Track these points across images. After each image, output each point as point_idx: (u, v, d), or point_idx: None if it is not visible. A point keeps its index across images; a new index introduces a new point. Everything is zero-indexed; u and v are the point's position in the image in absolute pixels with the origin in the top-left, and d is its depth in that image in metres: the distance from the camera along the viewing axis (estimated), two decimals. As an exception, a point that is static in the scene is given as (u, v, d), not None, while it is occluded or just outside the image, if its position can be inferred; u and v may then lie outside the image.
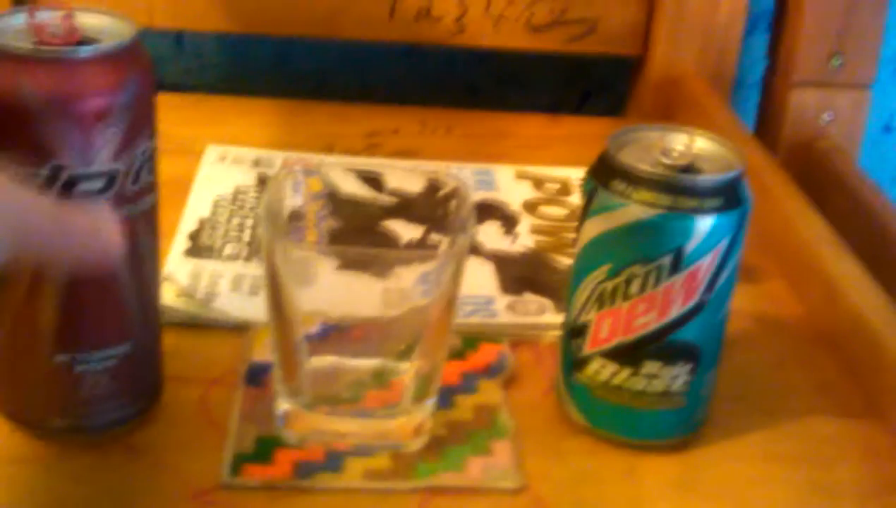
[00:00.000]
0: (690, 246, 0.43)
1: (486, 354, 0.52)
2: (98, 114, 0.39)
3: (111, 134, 0.39)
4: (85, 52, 0.39)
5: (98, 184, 0.39)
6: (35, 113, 0.38)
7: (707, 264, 0.44)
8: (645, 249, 0.44)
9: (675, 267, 0.43)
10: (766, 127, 0.84)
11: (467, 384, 0.50)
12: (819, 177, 0.79)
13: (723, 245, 0.44)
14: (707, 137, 0.46)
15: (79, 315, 0.42)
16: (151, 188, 0.42)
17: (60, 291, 0.41)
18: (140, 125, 0.41)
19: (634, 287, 0.44)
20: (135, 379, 0.45)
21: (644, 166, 0.44)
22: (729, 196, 0.44)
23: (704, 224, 0.43)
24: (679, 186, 0.43)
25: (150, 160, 0.42)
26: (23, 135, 0.38)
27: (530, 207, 0.68)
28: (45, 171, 0.39)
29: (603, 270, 0.45)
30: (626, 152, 0.45)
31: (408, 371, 0.45)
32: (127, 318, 0.44)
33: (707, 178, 0.44)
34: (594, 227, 0.45)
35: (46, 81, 0.38)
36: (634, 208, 0.43)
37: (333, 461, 0.45)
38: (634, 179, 0.43)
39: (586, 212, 0.45)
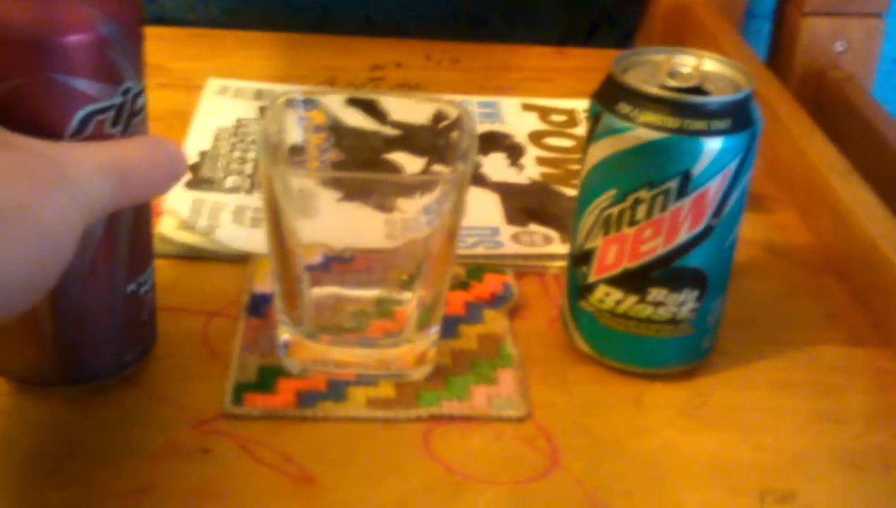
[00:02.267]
0: (698, 168, 0.42)
1: (490, 284, 0.51)
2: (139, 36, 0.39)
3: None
4: None
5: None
6: (107, 38, 0.37)
7: (715, 187, 0.43)
8: (651, 173, 0.43)
9: (683, 190, 0.43)
10: (779, 56, 0.82)
11: (472, 314, 0.49)
12: (831, 106, 0.77)
13: (731, 167, 0.43)
14: (714, 59, 0.45)
15: (136, 240, 0.42)
16: (144, 121, 0.42)
17: (130, 220, 0.41)
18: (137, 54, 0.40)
19: (640, 212, 0.43)
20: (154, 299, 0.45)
21: (650, 88, 0.42)
22: (737, 117, 0.43)
23: (712, 146, 0.42)
24: (686, 107, 0.42)
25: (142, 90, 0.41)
26: (97, 63, 0.38)
27: (536, 138, 0.66)
28: (116, 100, 0.38)
29: (608, 195, 0.44)
30: (631, 74, 0.44)
31: (410, 300, 0.45)
32: (151, 239, 0.44)
33: (715, 99, 0.42)
34: (599, 151, 0.44)
35: (112, 7, 0.38)
36: (640, 131, 0.42)
37: (336, 390, 0.44)
38: (640, 101, 0.42)
39: (591, 136, 0.44)
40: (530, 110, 0.70)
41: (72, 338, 0.42)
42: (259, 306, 0.48)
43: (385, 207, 0.43)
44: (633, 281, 0.44)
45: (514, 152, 0.65)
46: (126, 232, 0.42)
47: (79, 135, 0.37)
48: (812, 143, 0.63)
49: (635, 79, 0.43)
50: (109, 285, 0.42)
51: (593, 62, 0.78)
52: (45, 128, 0.36)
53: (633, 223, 0.44)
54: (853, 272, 0.55)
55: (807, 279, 0.55)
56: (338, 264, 0.45)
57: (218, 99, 0.68)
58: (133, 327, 0.44)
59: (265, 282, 0.50)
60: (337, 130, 0.48)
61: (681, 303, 0.45)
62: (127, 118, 0.39)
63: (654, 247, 0.44)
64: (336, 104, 0.48)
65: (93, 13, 0.37)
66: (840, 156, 0.61)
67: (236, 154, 0.61)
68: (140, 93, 0.40)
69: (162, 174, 0.38)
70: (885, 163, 0.71)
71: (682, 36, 0.80)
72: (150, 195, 0.38)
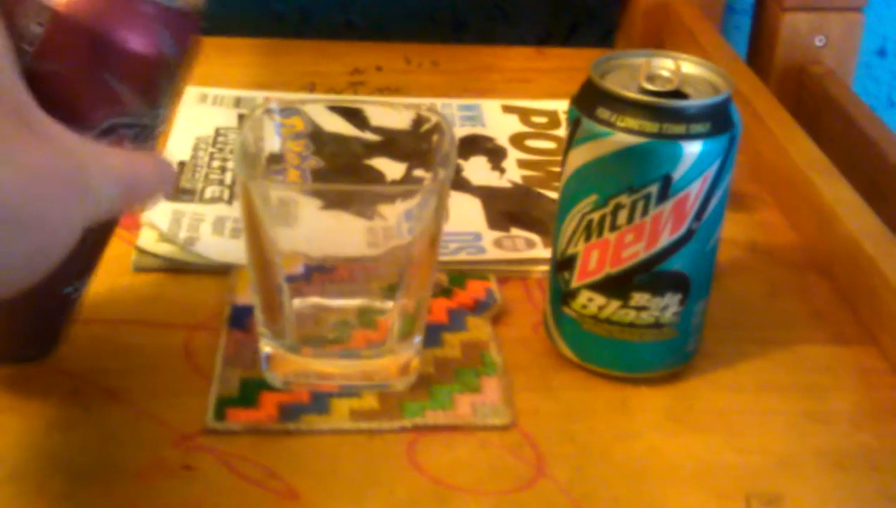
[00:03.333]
0: (678, 173, 0.42)
1: (473, 291, 0.51)
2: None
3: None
4: (191, 4, 0.38)
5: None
6: (166, 61, 0.37)
7: (696, 191, 0.43)
8: (631, 178, 0.42)
9: (663, 195, 0.42)
10: (759, 52, 0.82)
11: (455, 321, 0.49)
12: (812, 102, 0.77)
13: (711, 171, 0.43)
14: (693, 61, 0.45)
15: (92, 247, 0.42)
16: (155, 145, 0.42)
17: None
18: None
19: (622, 217, 0.43)
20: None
21: (629, 92, 0.42)
22: (717, 120, 0.42)
23: (692, 150, 0.42)
24: (665, 112, 0.42)
25: None
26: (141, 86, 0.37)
27: (517, 141, 0.66)
28: (147, 119, 0.38)
29: (589, 201, 0.44)
30: (610, 79, 0.44)
31: (393, 309, 0.44)
32: (104, 248, 0.43)
33: (694, 103, 0.42)
34: (579, 157, 0.44)
35: (178, 33, 0.37)
36: (620, 136, 0.42)
37: (319, 402, 0.44)
38: (619, 106, 0.42)
39: (571, 141, 0.44)
40: (511, 112, 0.70)
41: None
42: (241, 318, 0.48)
43: (366, 214, 0.43)
44: (616, 286, 0.44)
45: (495, 155, 0.64)
46: (88, 235, 0.41)
47: (98, 138, 0.37)
48: (794, 141, 0.63)
49: (614, 83, 0.43)
50: (49, 281, 0.41)
51: (574, 62, 0.78)
52: (71, 119, 0.35)
53: (614, 228, 0.43)
54: (837, 270, 0.55)
55: (790, 278, 0.55)
56: (319, 274, 0.45)
57: (197, 107, 0.67)
58: (51, 325, 0.43)
59: (247, 294, 0.49)
60: (317, 137, 0.48)
61: (664, 307, 0.45)
62: (145, 138, 0.39)
63: (636, 251, 0.43)
64: (315, 111, 0.48)
65: (164, 34, 0.37)
66: (821, 153, 0.61)
67: (216, 164, 0.61)
68: (165, 120, 0.40)
69: (158, 190, 0.38)
70: (865, 157, 0.71)
71: (663, 34, 0.80)
72: (141, 207, 0.38)
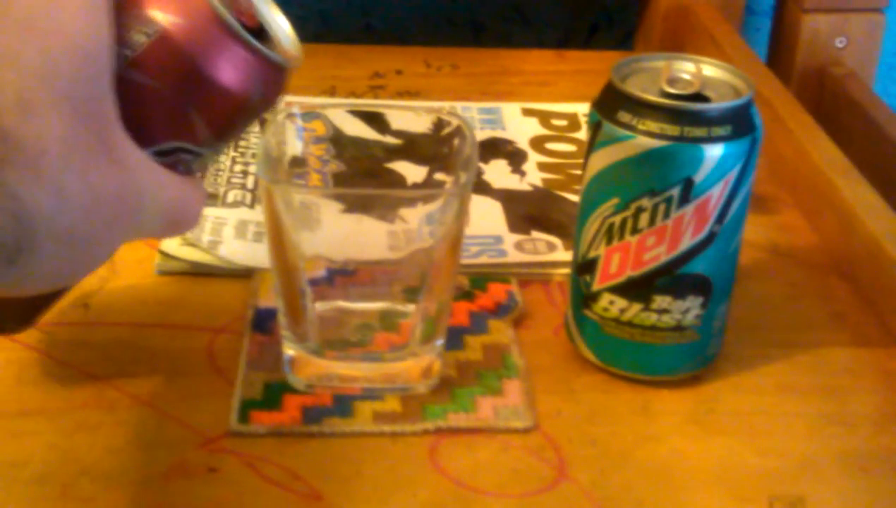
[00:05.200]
0: (700, 176, 0.42)
1: (494, 294, 0.51)
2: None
3: None
4: (290, 61, 0.38)
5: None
6: (248, 103, 0.37)
7: (717, 194, 0.43)
8: (653, 181, 0.42)
9: (685, 198, 0.42)
10: (779, 54, 0.82)
11: (476, 324, 0.49)
12: (833, 103, 0.77)
13: (733, 174, 0.43)
14: (714, 64, 0.45)
15: None
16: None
17: None
18: None
19: (643, 220, 0.43)
20: None
21: (650, 96, 0.42)
22: (738, 123, 0.42)
23: (714, 153, 0.42)
24: (686, 115, 0.42)
25: None
26: (213, 120, 0.37)
27: (537, 144, 0.66)
28: (206, 151, 0.38)
29: (610, 204, 0.44)
30: (631, 82, 0.44)
31: (415, 312, 0.44)
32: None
33: (715, 106, 0.42)
34: (600, 160, 0.44)
35: (269, 84, 0.37)
36: (641, 139, 0.42)
37: (342, 405, 0.44)
38: (641, 109, 0.42)
39: (592, 144, 0.44)
40: (531, 115, 0.70)
41: None
42: (264, 322, 0.48)
43: (387, 218, 0.43)
44: (638, 289, 0.44)
45: (515, 158, 0.65)
46: None
47: (157, 156, 0.37)
48: (815, 143, 0.63)
49: (635, 87, 0.43)
50: None
51: (593, 65, 0.78)
52: (140, 130, 0.35)
53: (635, 231, 0.43)
54: (858, 272, 0.55)
55: (811, 280, 0.55)
56: (341, 277, 0.45)
57: (219, 111, 0.68)
58: (38, 307, 0.43)
59: (269, 297, 0.50)
60: (338, 141, 0.48)
61: (686, 310, 0.45)
62: (197, 166, 0.39)
63: (658, 254, 0.44)
64: (337, 114, 0.48)
65: (256, 80, 0.37)
66: (842, 155, 0.61)
67: (238, 168, 0.61)
68: (218, 155, 0.40)
69: (195, 224, 0.38)
70: (886, 159, 0.71)
71: (682, 36, 0.80)
72: (174, 236, 0.38)
